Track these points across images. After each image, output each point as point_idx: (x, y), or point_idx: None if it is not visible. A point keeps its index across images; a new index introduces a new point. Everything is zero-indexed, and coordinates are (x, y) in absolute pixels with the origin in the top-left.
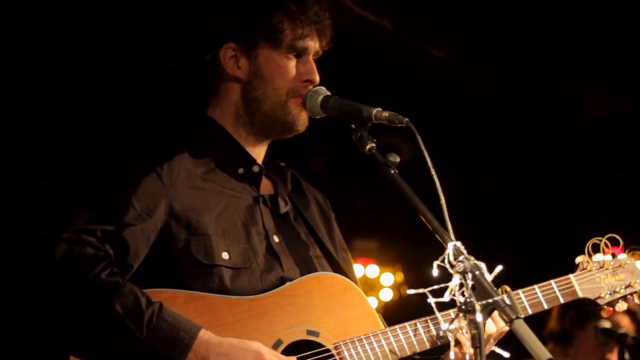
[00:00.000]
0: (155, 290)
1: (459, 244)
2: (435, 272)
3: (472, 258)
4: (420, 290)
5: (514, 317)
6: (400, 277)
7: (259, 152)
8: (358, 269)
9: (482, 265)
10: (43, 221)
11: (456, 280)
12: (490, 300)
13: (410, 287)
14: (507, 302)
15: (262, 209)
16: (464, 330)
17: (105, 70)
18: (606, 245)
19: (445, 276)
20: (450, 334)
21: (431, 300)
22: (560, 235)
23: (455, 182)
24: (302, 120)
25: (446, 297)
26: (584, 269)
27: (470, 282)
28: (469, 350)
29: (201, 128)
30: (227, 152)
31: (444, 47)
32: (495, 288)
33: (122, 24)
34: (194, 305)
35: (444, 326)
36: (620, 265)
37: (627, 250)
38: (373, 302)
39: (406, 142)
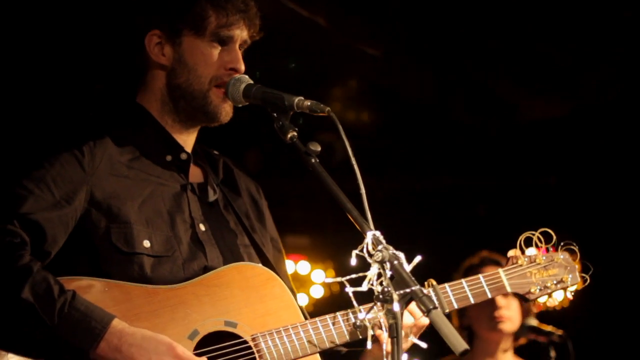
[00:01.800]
0: (71, 278)
1: (378, 233)
2: (353, 261)
3: (390, 248)
4: (338, 279)
5: (431, 307)
6: (331, 273)
7: (187, 140)
8: (289, 265)
9: (401, 255)
10: None
11: (374, 269)
12: (407, 290)
13: (340, 284)
14: (425, 292)
15: (189, 197)
16: (381, 320)
17: (31, 57)
18: (539, 240)
19: (365, 266)
20: (368, 324)
21: (349, 289)
22: (493, 238)
23: (387, 183)
24: (224, 111)
25: (364, 287)
26: (514, 264)
27: (388, 272)
28: (386, 340)
29: (128, 115)
30: (155, 140)
31: (377, 45)
32: (413, 278)
33: (49, 8)
34: (111, 293)
35: (360, 315)
36: (553, 260)
37: (561, 245)
38: (304, 299)
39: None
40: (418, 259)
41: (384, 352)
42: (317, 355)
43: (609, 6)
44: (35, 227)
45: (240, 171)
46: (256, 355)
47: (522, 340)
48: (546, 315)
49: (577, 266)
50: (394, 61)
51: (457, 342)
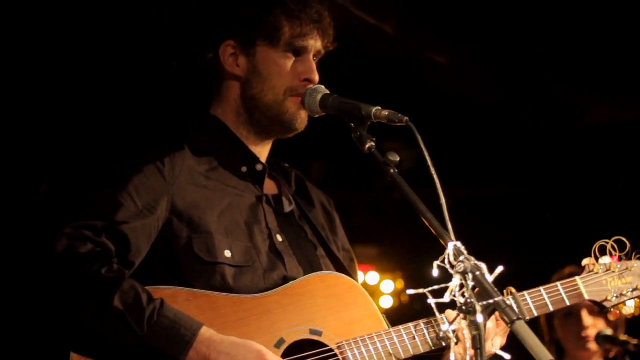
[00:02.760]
0: (156, 288)
1: (459, 244)
2: (435, 272)
3: (472, 258)
4: (420, 291)
5: (515, 318)
6: (400, 284)
7: (261, 152)
8: (358, 276)
9: (483, 266)
10: (44, 222)
11: (456, 280)
12: (491, 301)
13: (410, 295)
14: (508, 303)
15: (265, 208)
16: (465, 332)
17: (107, 70)
18: (613, 248)
19: (445, 277)
20: (452, 335)
21: (431, 300)
22: (562, 244)
23: (456, 190)
24: (300, 119)
25: (446, 298)
26: (590, 272)
27: (470, 283)
28: (469, 351)
29: (204, 126)
30: (231, 151)
31: (444, 53)
32: (496, 289)
33: (123, 24)
34: (196, 302)
35: (444, 327)
36: (627, 269)
37: (634, 253)
38: None
39: (406, 148)
40: (500, 269)
41: None
42: None
43: None
44: (119, 236)
45: (311, 184)
46: None
47: (612, 354)
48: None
49: None
50: (461, 68)
51: (542, 354)
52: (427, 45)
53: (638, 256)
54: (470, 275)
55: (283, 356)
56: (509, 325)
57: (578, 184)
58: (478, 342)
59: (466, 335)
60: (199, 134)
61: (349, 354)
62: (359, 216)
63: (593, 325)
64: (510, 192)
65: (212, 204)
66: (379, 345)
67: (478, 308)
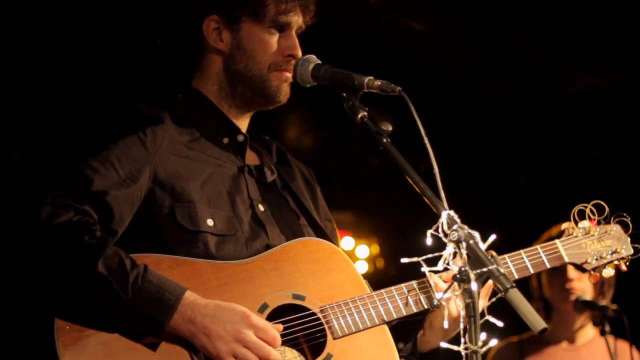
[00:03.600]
0: (140, 255)
1: (452, 212)
2: (429, 240)
3: (465, 227)
4: (415, 259)
5: (508, 286)
6: (375, 249)
7: (242, 124)
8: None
9: (476, 235)
10: (25, 190)
11: (450, 249)
12: (484, 269)
13: (384, 260)
14: (501, 271)
15: (247, 178)
16: (457, 300)
17: (88, 39)
18: (592, 212)
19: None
20: (444, 303)
21: (425, 269)
22: (536, 211)
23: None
24: (284, 92)
25: (440, 266)
26: (569, 235)
27: (464, 251)
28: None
29: (185, 98)
30: (212, 122)
31: (424, 20)
32: (489, 257)
33: None
34: (179, 269)
35: (438, 295)
36: (606, 232)
37: (613, 217)
38: None
39: (380, 115)
40: (493, 237)
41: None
42: (385, 325)
43: None
44: (102, 204)
45: (292, 156)
46: (325, 326)
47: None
48: None
49: (628, 238)
50: (439, 36)
51: (536, 321)
52: (406, 13)
53: (617, 220)
54: (463, 244)
55: (267, 320)
56: (502, 293)
57: (553, 149)
58: (472, 310)
59: (459, 302)
60: (180, 106)
61: (332, 317)
62: (334, 182)
63: (578, 279)
64: (484, 159)
65: (194, 174)
66: (361, 308)
67: (472, 276)
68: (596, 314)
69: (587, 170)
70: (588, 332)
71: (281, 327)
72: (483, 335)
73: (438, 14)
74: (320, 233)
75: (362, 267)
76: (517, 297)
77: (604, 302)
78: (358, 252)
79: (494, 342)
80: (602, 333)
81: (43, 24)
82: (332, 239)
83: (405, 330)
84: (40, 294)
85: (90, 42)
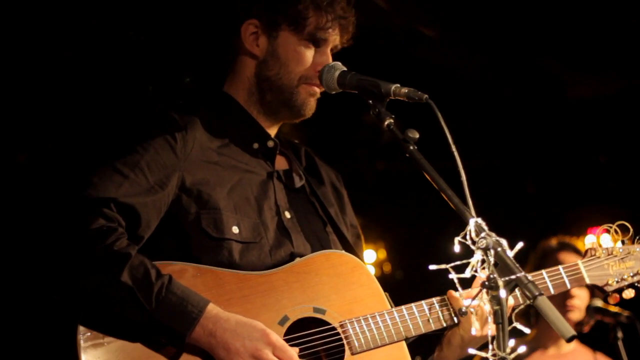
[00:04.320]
0: (164, 263)
1: (480, 220)
2: (457, 248)
3: (493, 234)
4: (443, 266)
5: (537, 293)
6: (382, 254)
7: (271, 130)
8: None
9: (504, 242)
10: (54, 193)
11: (478, 256)
12: (513, 277)
13: (392, 265)
14: (530, 278)
15: (275, 185)
16: (486, 307)
17: (119, 40)
18: (616, 232)
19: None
20: (472, 310)
21: (453, 276)
22: (543, 216)
23: (438, 161)
24: (310, 106)
25: (467, 273)
26: (592, 256)
27: (492, 259)
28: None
29: (216, 103)
30: (242, 127)
31: (433, 26)
32: (517, 264)
33: None
34: (202, 278)
35: (466, 302)
36: (629, 253)
37: (637, 238)
38: None
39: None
40: (520, 245)
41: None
42: (403, 342)
43: None
44: (130, 211)
45: (320, 160)
46: (344, 341)
47: (587, 329)
48: None
49: None
50: (449, 42)
51: (565, 328)
52: (417, 20)
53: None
54: (491, 251)
55: (287, 333)
56: (531, 301)
57: (560, 156)
58: (500, 317)
59: (487, 310)
60: (211, 110)
61: (351, 332)
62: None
63: (578, 296)
64: (491, 165)
65: (222, 180)
66: (380, 324)
67: (500, 283)
68: (608, 320)
69: (593, 177)
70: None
71: (297, 349)
72: (511, 342)
73: (448, 21)
74: (345, 242)
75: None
76: (546, 305)
77: (616, 309)
78: (365, 257)
79: (522, 349)
80: (615, 339)
81: (66, 23)
82: (356, 246)
83: (422, 345)
84: (64, 299)
85: (118, 41)
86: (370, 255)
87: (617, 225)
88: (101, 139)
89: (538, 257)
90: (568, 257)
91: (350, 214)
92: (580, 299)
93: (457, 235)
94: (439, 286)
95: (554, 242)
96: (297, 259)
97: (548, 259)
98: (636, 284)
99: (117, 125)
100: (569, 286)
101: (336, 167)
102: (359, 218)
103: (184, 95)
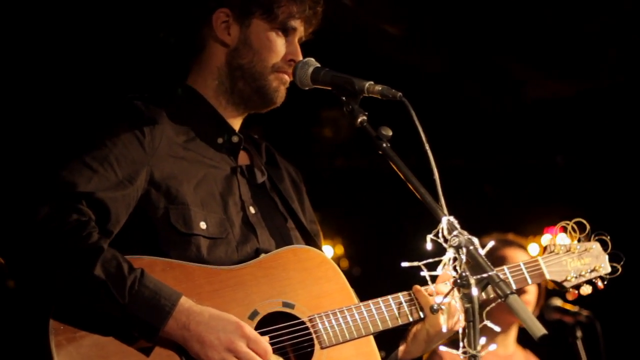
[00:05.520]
0: (134, 257)
1: (452, 218)
2: (429, 245)
3: (465, 233)
4: (415, 264)
5: (508, 292)
6: (340, 249)
7: (235, 124)
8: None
9: (476, 240)
10: (23, 189)
11: (450, 254)
12: (485, 275)
13: (349, 261)
14: (501, 277)
15: (239, 180)
16: (457, 305)
17: (81, 35)
18: (573, 229)
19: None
20: (443, 307)
21: (425, 273)
22: (500, 216)
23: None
24: (280, 95)
25: (439, 271)
26: (551, 252)
27: (463, 257)
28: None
29: (182, 97)
30: (207, 122)
31: (397, 24)
32: (489, 263)
33: None
34: (172, 273)
35: (438, 299)
36: (585, 250)
37: (593, 235)
38: None
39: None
40: (492, 244)
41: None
42: (371, 337)
43: None
44: (100, 206)
45: (280, 156)
46: (313, 335)
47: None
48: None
49: (607, 256)
50: (412, 40)
51: (536, 327)
52: (381, 17)
53: (596, 238)
54: (464, 249)
55: (257, 327)
56: (503, 299)
57: (518, 156)
58: (471, 315)
59: (458, 307)
60: (176, 104)
61: (320, 326)
62: None
63: (529, 292)
64: (448, 165)
65: (189, 175)
66: (349, 318)
67: (472, 281)
68: (568, 319)
69: (550, 178)
70: (513, 343)
71: (267, 338)
72: (482, 340)
73: (411, 19)
74: (308, 237)
75: None
76: (517, 303)
77: (575, 308)
78: None
79: (493, 347)
80: (574, 339)
81: (35, 18)
82: (318, 241)
83: (386, 339)
84: (35, 294)
85: (84, 34)
86: (328, 251)
87: (574, 223)
88: (69, 133)
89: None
90: (512, 253)
91: (309, 209)
92: (531, 294)
93: (415, 232)
94: (397, 283)
95: (496, 239)
96: (263, 255)
97: (492, 257)
98: (593, 280)
99: (84, 118)
100: (530, 281)
101: (295, 162)
102: (317, 214)
103: (149, 87)
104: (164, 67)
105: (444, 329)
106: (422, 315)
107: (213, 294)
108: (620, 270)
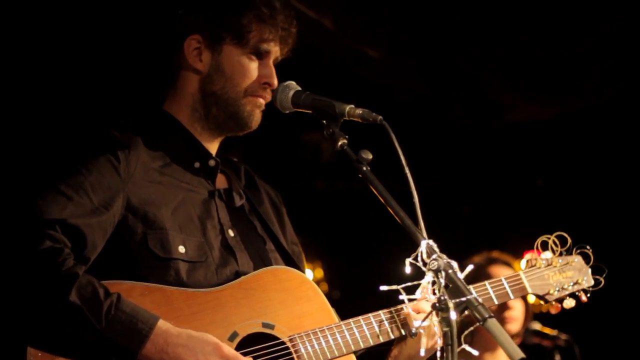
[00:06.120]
0: (112, 282)
1: (431, 242)
2: (408, 269)
3: (444, 256)
4: (394, 287)
5: (487, 315)
6: (319, 273)
7: (212, 148)
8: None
9: (455, 264)
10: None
11: (429, 277)
12: (463, 299)
13: (328, 284)
14: (480, 301)
15: (217, 203)
16: (435, 328)
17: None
18: (555, 243)
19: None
20: (422, 331)
21: (404, 297)
22: (479, 239)
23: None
24: (255, 119)
25: (418, 295)
26: (532, 266)
27: (442, 281)
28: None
29: (157, 122)
30: (183, 147)
31: (378, 47)
32: (468, 287)
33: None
34: (151, 297)
35: (416, 323)
36: (567, 263)
37: (575, 248)
38: None
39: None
40: (470, 267)
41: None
42: (352, 355)
43: (600, 16)
44: (76, 232)
45: (259, 178)
46: (294, 355)
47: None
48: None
49: (589, 269)
50: (392, 63)
51: (514, 351)
52: (361, 40)
53: (578, 251)
54: (442, 273)
55: (237, 349)
56: (481, 323)
57: (497, 179)
58: (449, 339)
59: (436, 330)
60: (152, 129)
61: (301, 346)
62: None
63: (515, 308)
64: (427, 186)
65: (167, 200)
66: (329, 337)
67: (451, 305)
68: (547, 343)
69: (530, 200)
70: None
71: (250, 359)
72: None
73: (392, 41)
74: (287, 259)
75: None
76: (495, 327)
77: (554, 332)
78: None
79: None
80: None
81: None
82: (299, 263)
83: (370, 359)
84: (12, 323)
85: (60, 61)
86: (308, 274)
87: (556, 237)
88: (44, 161)
89: (469, 274)
90: (498, 270)
91: (291, 231)
92: (517, 310)
93: (395, 256)
94: (376, 306)
95: (481, 257)
96: (243, 277)
97: (478, 275)
98: (576, 293)
99: (59, 145)
100: (512, 296)
101: (275, 185)
102: (297, 235)
103: (124, 113)
104: (140, 93)
105: (422, 353)
106: (403, 333)
107: (192, 316)
108: (603, 282)
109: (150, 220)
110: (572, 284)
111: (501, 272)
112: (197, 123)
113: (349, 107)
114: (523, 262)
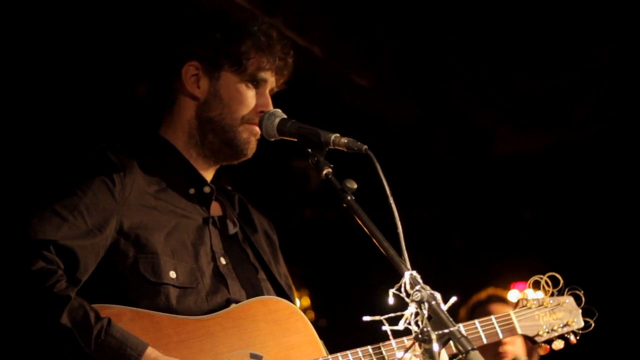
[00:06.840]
0: (102, 306)
1: (415, 273)
2: (391, 300)
3: (428, 287)
4: (377, 318)
5: (469, 348)
6: (306, 301)
7: (207, 175)
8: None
9: (438, 296)
10: None
11: (412, 309)
12: (446, 331)
13: (315, 312)
14: (463, 333)
15: (211, 230)
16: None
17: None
18: (547, 283)
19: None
20: None
21: (387, 328)
22: (469, 269)
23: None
24: (251, 146)
25: (401, 326)
26: (523, 306)
27: (425, 312)
28: None
29: (153, 147)
30: (179, 172)
31: (367, 76)
32: (451, 318)
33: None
34: (140, 322)
35: (398, 354)
36: (559, 304)
37: (567, 290)
38: None
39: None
40: (454, 299)
41: None
42: None
43: (591, 46)
44: (69, 254)
45: (253, 208)
46: None
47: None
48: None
49: (580, 311)
50: (381, 91)
51: None
52: (350, 68)
53: (570, 292)
54: (426, 305)
55: None
56: (463, 355)
57: (487, 210)
58: None
59: None
60: (148, 154)
61: None
62: None
63: (511, 342)
64: (417, 217)
65: (160, 225)
66: None
67: (433, 337)
68: None
69: (519, 232)
70: None
71: None
72: None
73: (380, 70)
74: (279, 289)
75: None
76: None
77: None
78: None
79: None
80: None
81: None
82: (289, 293)
83: None
84: (1, 343)
85: (57, 82)
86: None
87: (548, 277)
88: (39, 180)
89: (469, 309)
90: (498, 308)
91: (282, 262)
92: (512, 344)
93: (382, 285)
94: (362, 335)
95: (484, 294)
96: (233, 305)
97: (478, 312)
98: (565, 335)
99: (56, 166)
100: (501, 336)
101: (263, 212)
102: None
103: (122, 137)
104: (137, 117)
105: None
106: None
107: (180, 344)
108: (593, 325)
109: (142, 244)
110: (562, 325)
111: (500, 310)
112: (192, 149)
113: (334, 136)
114: (511, 294)
